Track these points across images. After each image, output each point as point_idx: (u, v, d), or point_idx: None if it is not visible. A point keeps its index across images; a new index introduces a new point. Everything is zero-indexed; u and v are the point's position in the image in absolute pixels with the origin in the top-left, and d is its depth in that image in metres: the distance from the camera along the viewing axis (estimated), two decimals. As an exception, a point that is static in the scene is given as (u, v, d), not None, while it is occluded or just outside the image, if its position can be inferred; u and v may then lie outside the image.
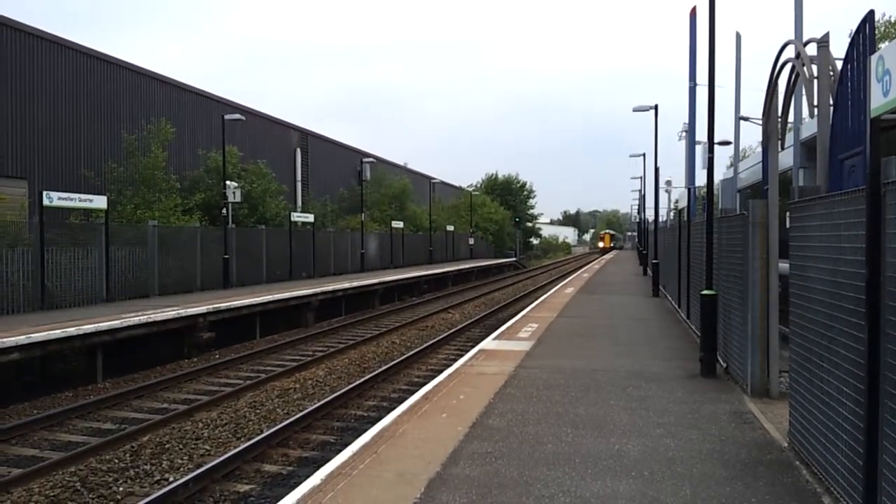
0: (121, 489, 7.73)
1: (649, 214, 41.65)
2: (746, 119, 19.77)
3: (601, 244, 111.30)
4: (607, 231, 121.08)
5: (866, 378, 4.28)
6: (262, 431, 9.65)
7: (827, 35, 7.64)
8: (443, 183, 64.54)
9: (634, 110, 28.41)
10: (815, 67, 7.61)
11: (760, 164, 12.73)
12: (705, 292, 10.11)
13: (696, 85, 22.70)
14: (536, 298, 24.36)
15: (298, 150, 39.33)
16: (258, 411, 11.00)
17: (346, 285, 25.15)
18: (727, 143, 26.51)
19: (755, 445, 6.59)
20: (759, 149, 15.63)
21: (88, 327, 13.24)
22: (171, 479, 7.93)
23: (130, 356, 14.72)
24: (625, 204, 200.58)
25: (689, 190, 24.82)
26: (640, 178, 49.67)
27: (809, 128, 12.65)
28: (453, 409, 7.99)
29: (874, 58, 4.23)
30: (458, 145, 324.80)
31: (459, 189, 71.94)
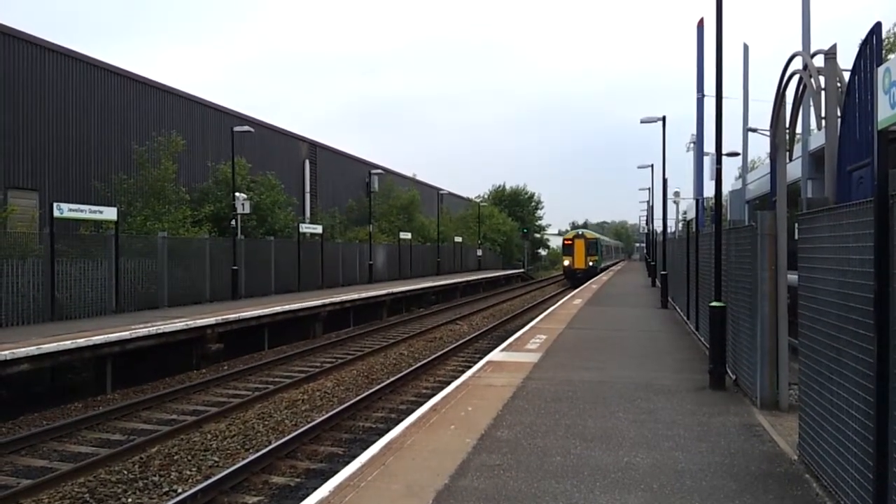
0: (129, 500, 7.74)
1: (658, 225, 41.58)
2: (754, 130, 19.77)
3: (567, 261, 51.43)
4: (581, 232, 55.34)
5: (875, 390, 4.26)
6: (270, 443, 9.66)
7: (834, 47, 7.65)
8: (451, 194, 64.69)
9: (642, 121, 28.41)
10: (822, 79, 7.62)
11: (769, 176, 12.73)
12: (714, 304, 10.07)
13: (703, 96, 22.75)
14: (544, 310, 24.31)
15: (307, 162, 39.50)
16: (266, 423, 11.01)
17: (355, 296, 25.19)
18: (735, 154, 26.52)
19: (765, 458, 6.55)
20: (768, 160, 15.61)
21: (98, 338, 13.30)
22: (180, 490, 7.94)
23: (140, 367, 14.76)
24: (633, 215, 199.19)
25: (697, 201, 24.80)
26: (649, 189, 49.63)
27: (817, 139, 12.64)
28: (462, 421, 7.98)
29: (881, 70, 4.24)
30: (465, 156, 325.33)
31: (467, 200, 72.06)
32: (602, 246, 57.68)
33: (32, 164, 21.56)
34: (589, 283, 39.91)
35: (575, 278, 48.21)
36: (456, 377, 12.12)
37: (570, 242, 51.75)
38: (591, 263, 50.11)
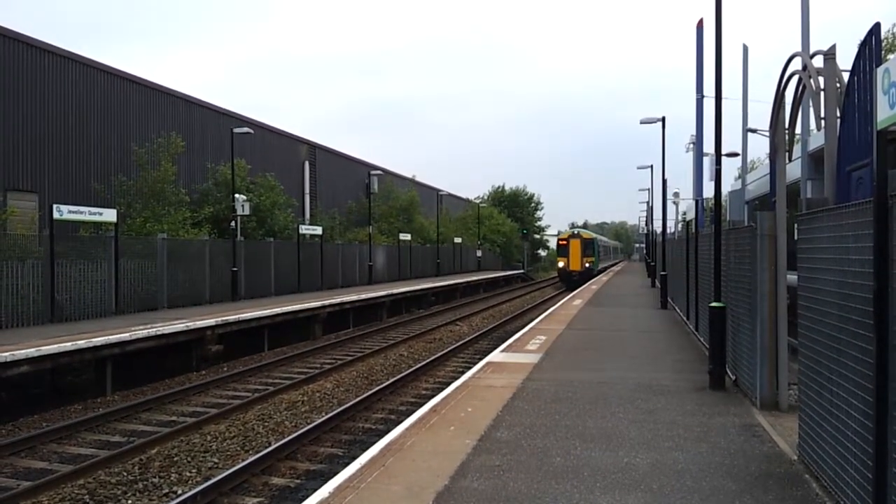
0: (129, 502, 7.74)
1: (657, 226, 41.58)
2: (754, 131, 19.78)
3: (562, 263, 48.01)
4: (576, 231, 52.90)
5: (875, 390, 4.26)
6: (270, 444, 9.66)
7: (833, 47, 7.66)
8: (450, 195, 64.69)
9: (642, 122, 28.44)
10: (821, 80, 7.63)
11: (768, 176, 12.74)
12: (714, 304, 10.08)
13: (703, 97, 22.74)
14: (544, 310, 24.31)
15: (307, 163, 39.51)
16: (266, 424, 11.01)
17: (354, 297, 25.19)
18: (735, 154, 26.53)
19: (765, 459, 6.56)
20: (767, 160, 15.62)
21: (98, 340, 13.29)
22: (180, 492, 7.94)
23: (139, 369, 14.76)
24: (633, 216, 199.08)
25: (696, 202, 24.81)
26: (648, 189, 49.62)
27: (817, 139, 12.65)
28: (461, 422, 7.98)
29: (880, 70, 4.25)
30: (465, 156, 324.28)
31: (467, 201, 72.09)
32: (599, 246, 54.23)
33: (32, 166, 21.55)
34: (588, 284, 39.42)
35: (570, 281, 45.12)
36: (456, 378, 12.12)
37: (564, 243, 48.30)
38: (587, 265, 46.94)
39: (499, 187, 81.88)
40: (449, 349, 17.97)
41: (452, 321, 26.24)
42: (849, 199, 6.39)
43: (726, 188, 27.29)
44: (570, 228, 56.59)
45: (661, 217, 30.69)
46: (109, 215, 19.06)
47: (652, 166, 40.18)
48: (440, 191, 57.81)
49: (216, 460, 9.20)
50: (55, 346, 12.46)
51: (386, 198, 47.66)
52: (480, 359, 13.65)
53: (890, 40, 29.10)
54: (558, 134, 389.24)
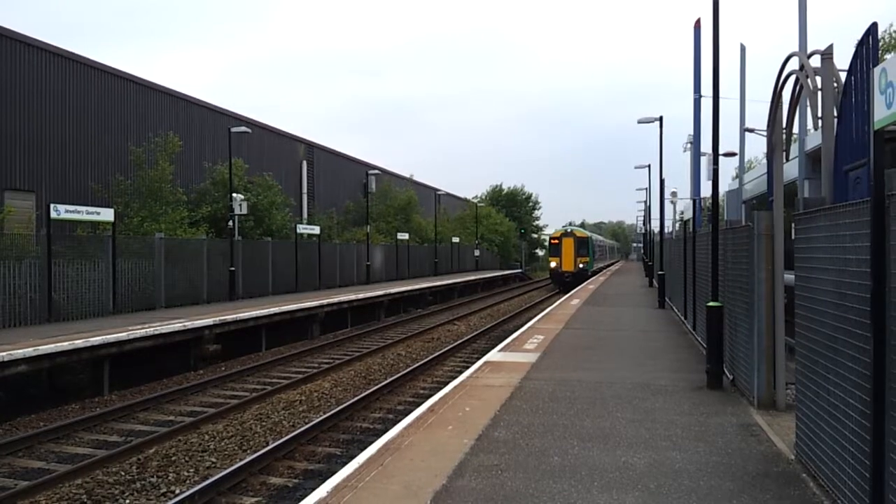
0: (127, 502, 7.74)
1: (655, 226, 41.59)
2: (751, 130, 19.79)
3: (554, 263, 45.40)
4: (570, 230, 48.51)
5: (872, 390, 4.27)
6: (268, 444, 9.66)
7: (830, 47, 7.67)
8: (448, 194, 64.71)
9: (639, 122, 28.45)
10: (819, 79, 7.64)
11: (765, 176, 12.75)
12: (711, 304, 10.09)
13: (700, 96, 22.74)
14: (542, 310, 24.33)
15: (304, 163, 39.49)
16: (264, 424, 11.01)
17: (352, 297, 25.18)
18: (732, 154, 26.56)
19: (762, 458, 6.56)
20: (764, 160, 15.64)
21: (95, 339, 13.28)
22: (178, 491, 7.93)
23: (137, 368, 14.74)
24: (631, 215, 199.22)
25: (694, 201, 24.81)
26: (646, 189, 49.64)
27: (814, 139, 12.66)
28: (459, 422, 7.98)
29: (877, 70, 4.25)
30: (464, 155, 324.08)
31: (464, 200, 72.11)
32: (594, 245, 51.88)
33: (29, 165, 21.52)
34: (585, 283, 38.82)
35: (563, 282, 43.08)
36: (454, 378, 12.11)
37: (557, 241, 45.24)
38: (581, 265, 44.05)
39: (497, 187, 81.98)
40: (447, 349, 17.98)
41: (450, 321, 26.25)
42: (846, 198, 6.40)
43: (724, 188, 27.30)
44: (564, 227, 55.32)
45: (658, 216, 30.72)
46: (107, 215, 19.03)
47: (650, 166, 40.32)
48: (438, 190, 57.86)
49: (214, 460, 9.20)
50: (52, 345, 12.44)
51: (384, 197, 47.65)
52: (478, 358, 13.64)
53: (887, 40, 29.12)
54: (557, 134, 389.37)
